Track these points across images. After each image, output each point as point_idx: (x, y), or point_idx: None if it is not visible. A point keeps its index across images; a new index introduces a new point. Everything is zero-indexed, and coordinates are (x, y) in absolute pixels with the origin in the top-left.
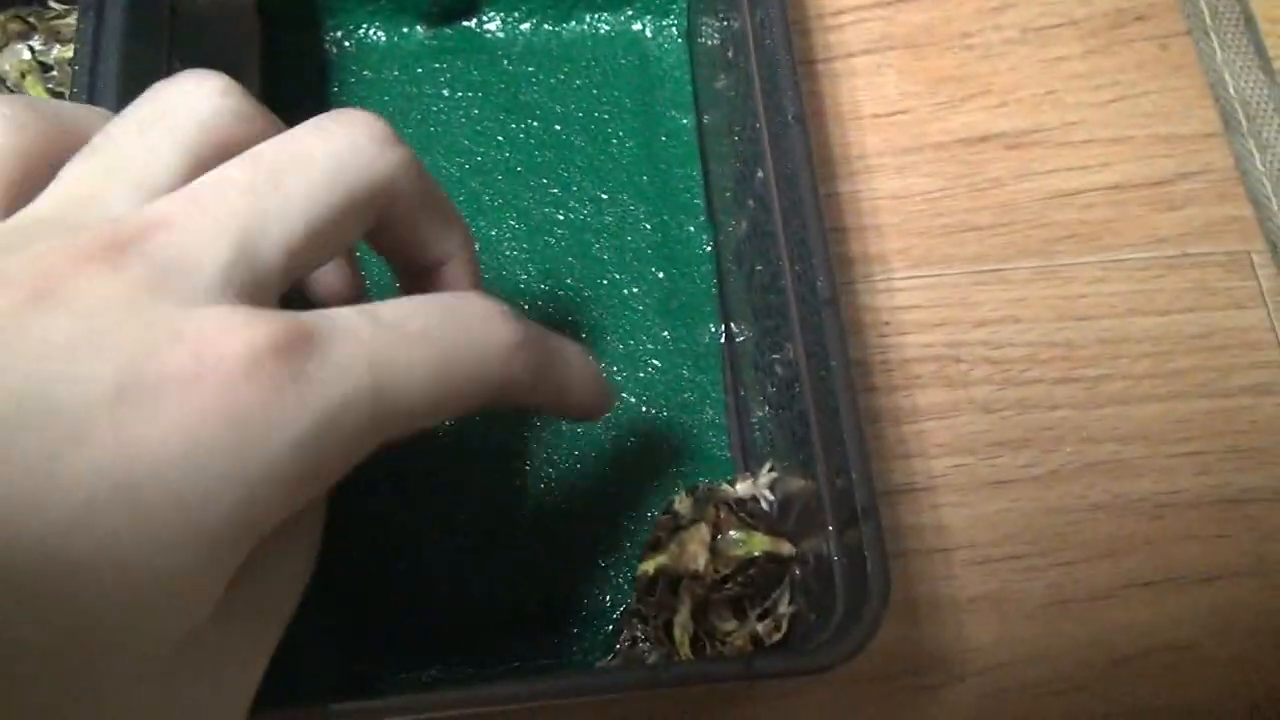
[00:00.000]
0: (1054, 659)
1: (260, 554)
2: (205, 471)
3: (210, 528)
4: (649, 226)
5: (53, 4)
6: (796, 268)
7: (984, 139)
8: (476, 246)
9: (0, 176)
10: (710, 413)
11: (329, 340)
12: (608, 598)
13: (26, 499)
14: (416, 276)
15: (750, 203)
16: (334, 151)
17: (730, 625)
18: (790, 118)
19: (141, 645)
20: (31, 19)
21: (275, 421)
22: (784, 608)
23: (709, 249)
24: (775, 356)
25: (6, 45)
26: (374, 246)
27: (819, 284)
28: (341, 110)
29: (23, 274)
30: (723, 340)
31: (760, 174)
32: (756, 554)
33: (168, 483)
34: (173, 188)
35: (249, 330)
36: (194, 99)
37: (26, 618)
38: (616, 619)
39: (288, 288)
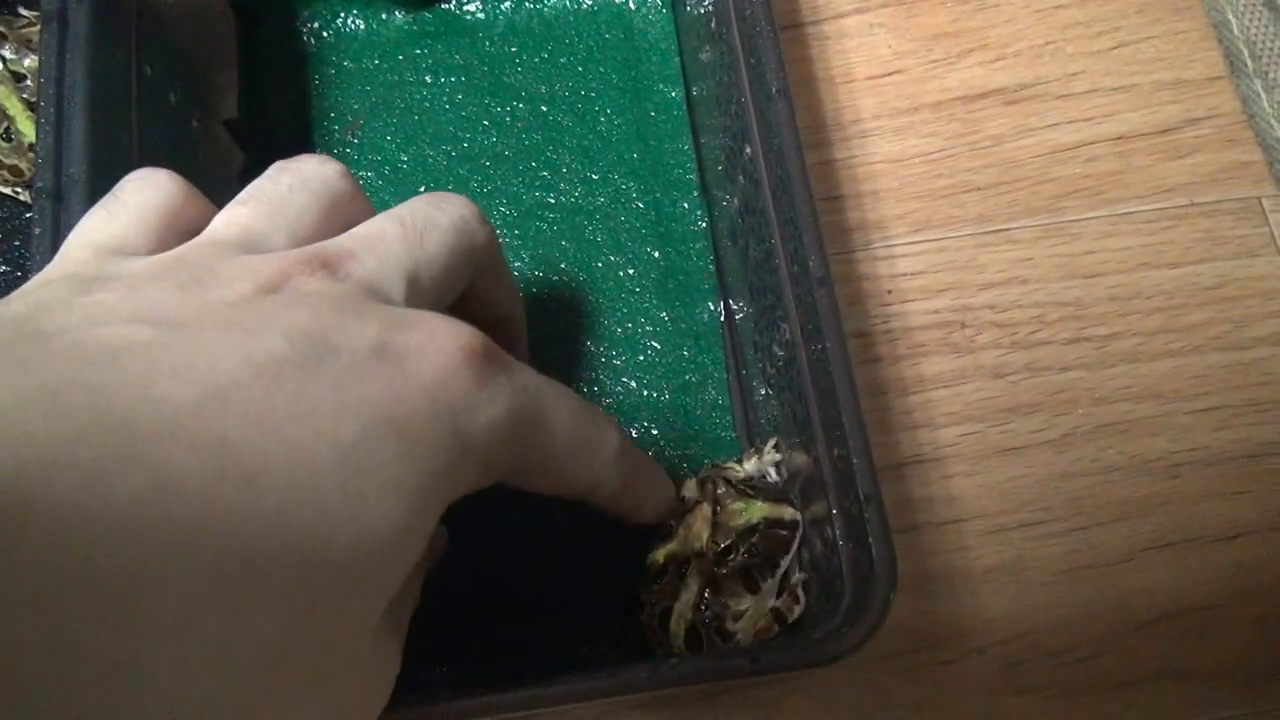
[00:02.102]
0: (1074, 626)
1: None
2: (437, 425)
3: (433, 475)
4: (642, 205)
5: (23, 12)
6: (789, 246)
7: (982, 95)
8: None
9: (152, 222)
10: (713, 393)
11: (514, 362)
12: (616, 587)
13: (324, 420)
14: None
15: (740, 179)
16: (452, 221)
17: (744, 603)
18: (774, 91)
19: (373, 594)
20: (2, 28)
21: (481, 402)
22: (796, 577)
23: (704, 225)
24: (773, 336)
25: None
26: (453, 307)
27: (811, 263)
28: (447, 194)
29: (254, 272)
30: (722, 318)
31: (748, 149)
32: (757, 520)
33: (416, 427)
34: (314, 237)
35: (464, 330)
36: (324, 176)
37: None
38: (625, 608)
39: None
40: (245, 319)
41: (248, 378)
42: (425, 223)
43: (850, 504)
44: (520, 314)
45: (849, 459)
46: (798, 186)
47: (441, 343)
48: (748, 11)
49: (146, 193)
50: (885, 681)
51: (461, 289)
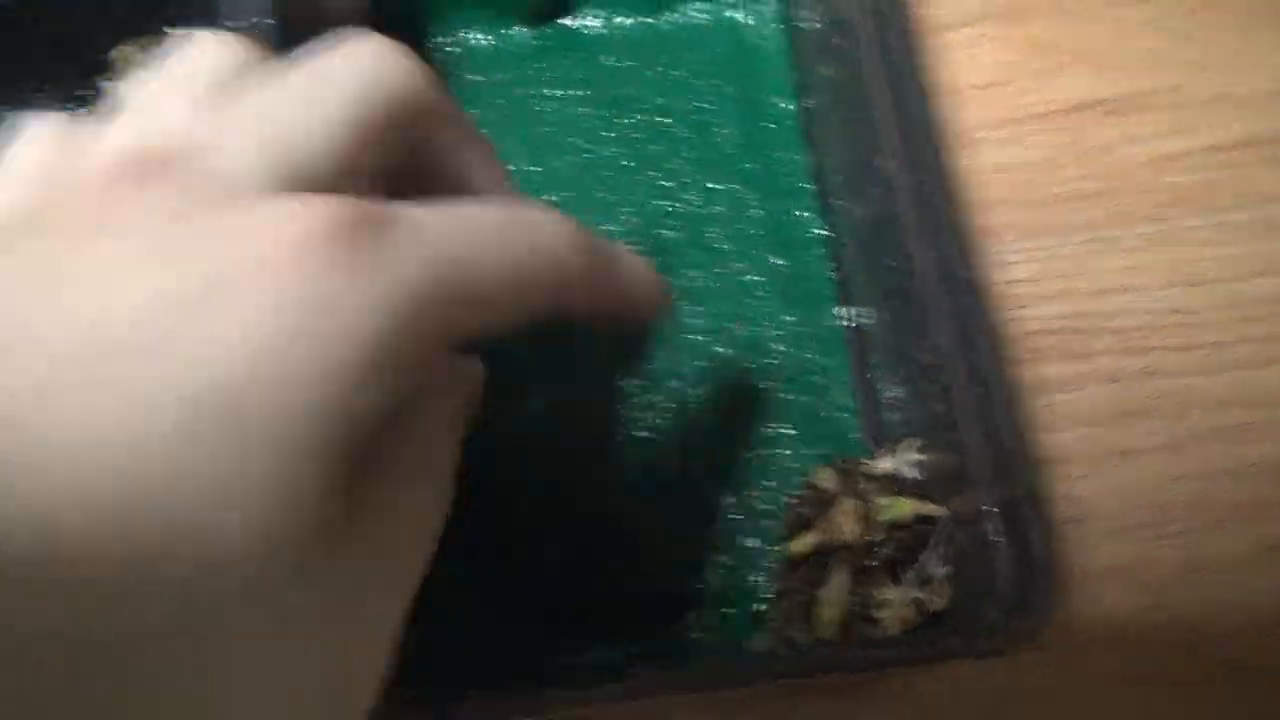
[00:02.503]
0: (1189, 627)
1: (377, 484)
2: (284, 369)
3: (306, 429)
4: (761, 213)
5: (170, 31)
6: (932, 253)
7: (1087, 106)
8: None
9: None
10: (838, 396)
11: (392, 223)
12: (748, 579)
13: (120, 436)
14: None
15: (869, 187)
16: (353, 73)
17: (890, 593)
18: (916, 99)
19: (254, 569)
20: (153, 48)
21: (368, 288)
22: (938, 569)
23: (822, 233)
24: (911, 340)
25: (129, 74)
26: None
27: (959, 270)
28: (357, 38)
29: (76, 194)
30: (845, 323)
31: (878, 160)
32: (906, 515)
33: (248, 389)
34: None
35: (319, 207)
36: (205, 56)
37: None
38: (760, 599)
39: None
40: (77, 269)
41: (79, 365)
42: (313, 87)
43: (1009, 502)
44: (503, 188)
45: (1009, 458)
46: (942, 191)
47: (293, 232)
48: (888, 25)
49: None
50: (1010, 673)
51: (391, 153)
